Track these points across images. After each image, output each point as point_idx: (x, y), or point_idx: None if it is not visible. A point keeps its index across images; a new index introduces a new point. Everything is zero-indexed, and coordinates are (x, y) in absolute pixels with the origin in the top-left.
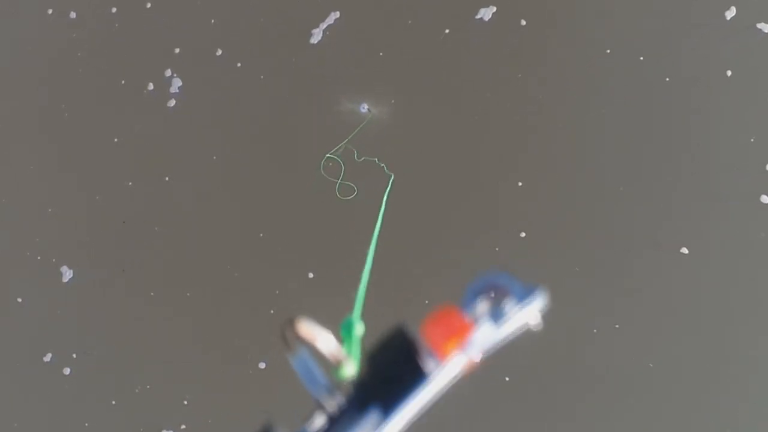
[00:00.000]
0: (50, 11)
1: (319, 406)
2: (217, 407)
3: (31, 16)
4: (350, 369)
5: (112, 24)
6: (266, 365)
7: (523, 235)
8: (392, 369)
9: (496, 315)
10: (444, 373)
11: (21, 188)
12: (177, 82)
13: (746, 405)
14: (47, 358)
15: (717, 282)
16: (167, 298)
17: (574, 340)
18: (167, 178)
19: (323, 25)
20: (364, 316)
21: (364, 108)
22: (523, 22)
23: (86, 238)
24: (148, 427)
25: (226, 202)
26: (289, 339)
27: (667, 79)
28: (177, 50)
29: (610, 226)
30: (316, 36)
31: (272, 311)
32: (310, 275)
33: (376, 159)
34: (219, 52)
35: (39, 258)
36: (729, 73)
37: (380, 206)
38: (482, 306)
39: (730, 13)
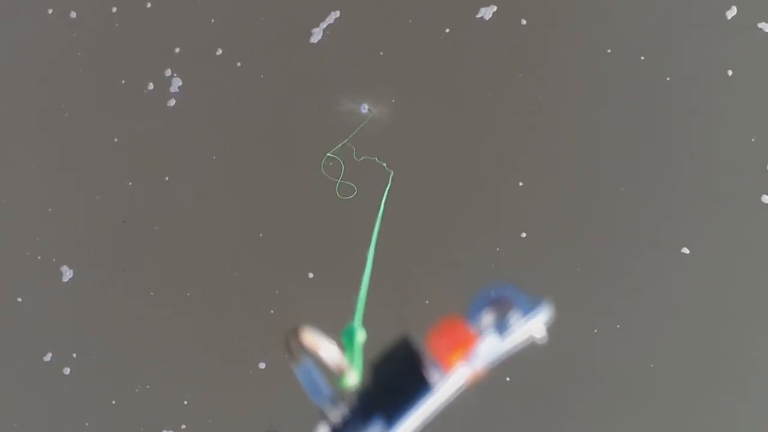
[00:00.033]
0: (50, 11)
1: (323, 417)
2: (217, 407)
3: (31, 16)
4: (353, 378)
5: (113, 24)
6: (266, 365)
7: (523, 235)
8: (396, 379)
9: (501, 327)
10: (448, 384)
11: (21, 188)
12: (177, 82)
13: (747, 405)
14: (47, 358)
15: (718, 282)
16: (167, 298)
17: (575, 341)
18: (167, 178)
19: (323, 25)
20: (365, 319)
21: (365, 108)
22: (524, 22)
23: (86, 238)
24: (148, 427)
25: (226, 202)
26: (293, 348)
27: (668, 78)
28: (177, 50)
29: (611, 227)
30: (317, 35)
31: (272, 311)
32: (310, 275)
33: (376, 158)
34: (219, 52)
35: (39, 258)
36: (730, 72)
37: (380, 205)
38: (487, 318)
39: (731, 13)
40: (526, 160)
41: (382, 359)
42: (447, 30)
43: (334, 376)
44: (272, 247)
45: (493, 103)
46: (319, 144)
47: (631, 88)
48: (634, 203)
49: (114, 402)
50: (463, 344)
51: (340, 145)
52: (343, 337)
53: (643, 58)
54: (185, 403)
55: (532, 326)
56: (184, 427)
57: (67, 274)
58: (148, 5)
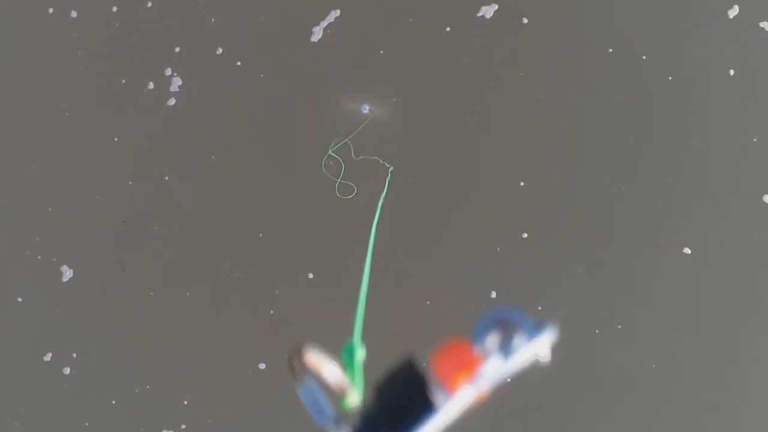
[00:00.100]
0: (51, 10)
1: None
2: (217, 407)
3: (32, 16)
4: (354, 398)
5: (113, 23)
6: (266, 365)
7: (525, 235)
8: (401, 401)
9: (506, 349)
10: (453, 405)
11: (21, 188)
12: (177, 81)
13: (747, 405)
14: (47, 358)
15: (719, 282)
16: (167, 298)
17: (577, 341)
18: (167, 178)
19: (324, 24)
20: (365, 327)
21: (366, 109)
22: (525, 21)
23: (86, 238)
24: (148, 427)
25: (226, 201)
26: (296, 368)
27: (670, 78)
28: (177, 49)
29: (612, 227)
30: (317, 34)
31: (272, 311)
32: (310, 275)
33: (376, 157)
34: (219, 51)
35: (39, 258)
36: (732, 72)
37: (380, 205)
38: (492, 340)
39: (733, 12)
40: (526, 160)
41: (387, 380)
42: (448, 29)
43: (336, 396)
44: (272, 247)
45: (494, 103)
46: (319, 144)
47: (632, 87)
48: (635, 203)
49: (114, 402)
50: (468, 366)
51: (341, 143)
52: (342, 355)
53: (644, 57)
54: (185, 403)
55: (536, 349)
56: (184, 427)
57: (67, 274)
58: (149, 5)
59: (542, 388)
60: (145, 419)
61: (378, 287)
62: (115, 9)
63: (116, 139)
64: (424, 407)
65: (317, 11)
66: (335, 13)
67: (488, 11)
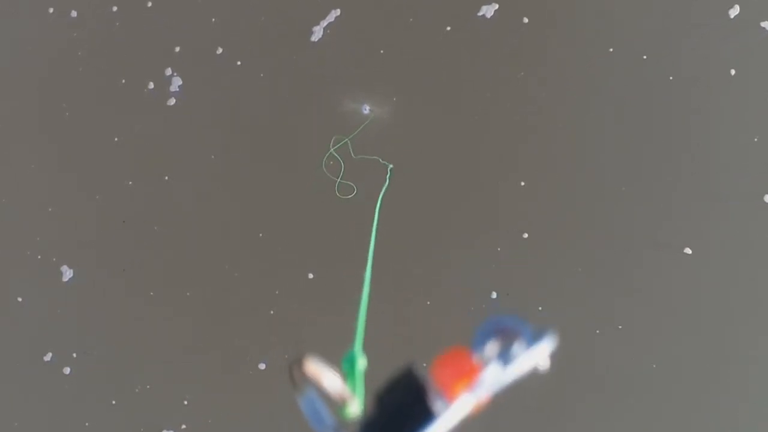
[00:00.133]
0: (51, 10)
1: None
2: (217, 407)
3: (32, 16)
4: (355, 408)
5: (113, 23)
6: (266, 366)
7: (525, 235)
8: (401, 409)
9: (506, 357)
10: (452, 413)
11: (21, 188)
12: (177, 81)
13: (747, 405)
14: (47, 357)
15: (720, 282)
16: (167, 298)
17: (577, 341)
18: (167, 178)
19: (324, 23)
20: (366, 323)
21: (366, 110)
22: (525, 20)
23: (86, 238)
24: (148, 427)
25: (226, 201)
26: (297, 379)
27: (671, 78)
28: (177, 49)
29: (612, 227)
30: (317, 34)
31: (272, 311)
32: (310, 275)
33: (376, 156)
34: (219, 51)
35: (39, 258)
36: (732, 72)
37: (379, 204)
38: (491, 348)
39: (734, 12)
40: (526, 160)
41: (387, 389)
42: (448, 28)
43: (336, 406)
44: (272, 247)
45: (494, 103)
46: (319, 144)
47: (632, 87)
48: (635, 203)
49: (114, 402)
50: (468, 374)
51: (342, 142)
52: (343, 365)
53: (645, 57)
54: (185, 403)
55: (536, 357)
56: (184, 427)
57: (67, 274)
58: (149, 4)
59: (543, 389)
60: (145, 419)
61: (378, 287)
62: (115, 9)
63: (116, 139)
64: (424, 415)
65: (317, 11)
66: (335, 13)
67: (489, 11)
